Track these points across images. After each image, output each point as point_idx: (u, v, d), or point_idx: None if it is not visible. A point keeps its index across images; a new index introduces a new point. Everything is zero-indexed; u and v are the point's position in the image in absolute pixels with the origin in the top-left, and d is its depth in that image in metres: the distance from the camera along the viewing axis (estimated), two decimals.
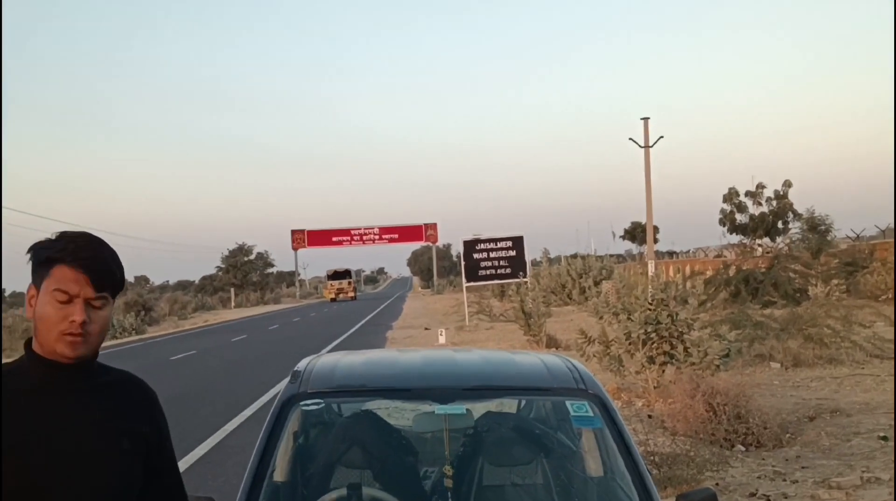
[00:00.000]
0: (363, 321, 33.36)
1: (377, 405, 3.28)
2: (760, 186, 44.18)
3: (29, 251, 1.72)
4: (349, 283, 75.68)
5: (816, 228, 34.73)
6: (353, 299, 72.13)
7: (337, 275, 76.63)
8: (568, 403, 3.00)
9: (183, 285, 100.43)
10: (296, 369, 3.27)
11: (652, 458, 6.03)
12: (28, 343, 1.67)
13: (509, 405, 3.51)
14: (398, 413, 3.43)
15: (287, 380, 3.18)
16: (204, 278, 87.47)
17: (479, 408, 3.28)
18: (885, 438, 7.12)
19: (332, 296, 72.54)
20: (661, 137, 27.85)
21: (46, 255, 1.66)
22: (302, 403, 3.03)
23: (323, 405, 3.24)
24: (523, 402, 3.54)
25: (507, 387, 3.15)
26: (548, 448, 3.17)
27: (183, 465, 7.60)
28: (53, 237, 1.73)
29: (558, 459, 3.14)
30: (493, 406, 3.36)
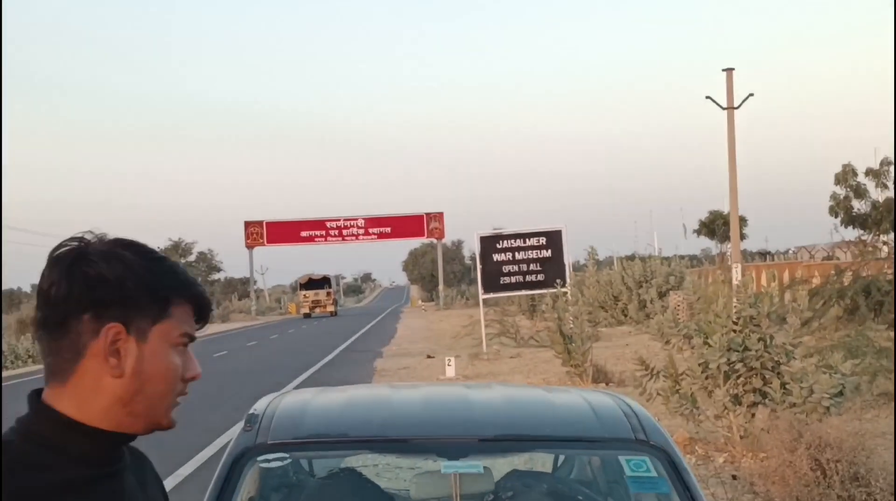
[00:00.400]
0: (342, 347, 33.58)
1: (363, 460, 3.43)
2: (886, 163, 44.04)
3: (112, 268, 1.44)
4: (328, 294, 78.09)
5: None
6: (333, 314, 74.77)
7: (312, 284, 79.23)
8: (623, 459, 3.09)
9: None
10: (252, 411, 3.33)
11: None
12: (41, 409, 1.45)
13: (543, 461, 3.64)
14: (391, 472, 3.60)
15: (240, 427, 3.24)
16: None
17: (501, 466, 3.38)
18: None
19: (307, 311, 75.11)
20: (751, 94, 28.22)
21: (171, 286, 1.51)
22: (260, 458, 3.11)
23: (289, 460, 3.31)
24: (561, 458, 3.65)
25: (541, 437, 3.25)
26: None
27: None
28: (117, 248, 1.47)
29: None
30: (521, 463, 3.48)
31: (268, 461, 3.18)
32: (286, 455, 3.24)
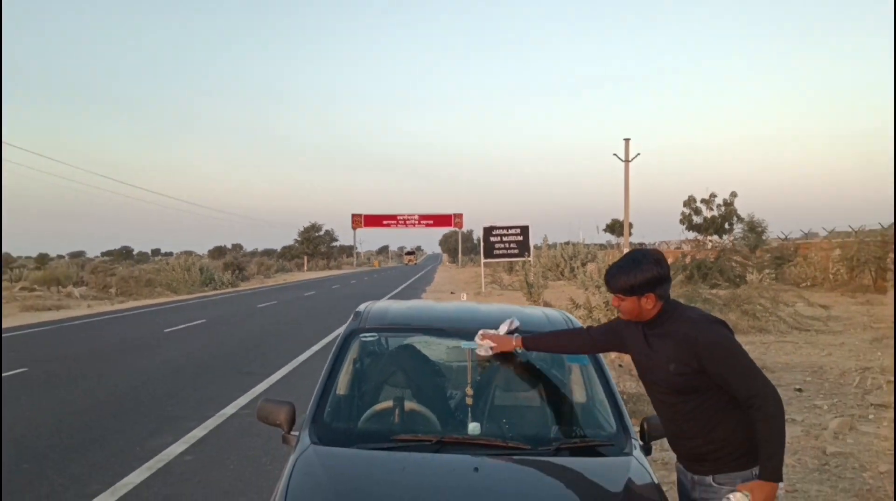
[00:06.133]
0: (403, 286, 43.47)
1: (417, 340, 3.99)
2: (713, 195, 56.55)
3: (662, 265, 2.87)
4: (415, 255, 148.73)
5: (754, 229, 43.63)
6: (416, 264, 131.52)
7: (410, 253, 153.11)
8: None
9: (268, 252, 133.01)
10: (357, 310, 4.07)
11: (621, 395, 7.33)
12: None
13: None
14: (433, 347, 4.16)
15: (350, 319, 4.00)
16: (284, 248, 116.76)
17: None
18: (799, 390, 9.20)
19: (405, 262, 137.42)
20: (638, 154, 34.35)
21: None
22: (361, 335, 3.82)
23: (376, 338, 3.97)
24: None
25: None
26: (545, 379, 3.76)
27: (274, 378, 11.30)
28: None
29: (552, 388, 3.74)
30: None
31: (365, 337, 3.83)
32: (375, 334, 3.89)
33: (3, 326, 20.36)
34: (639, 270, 2.81)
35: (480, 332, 3.56)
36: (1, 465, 6.70)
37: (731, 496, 2.66)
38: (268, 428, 7.14)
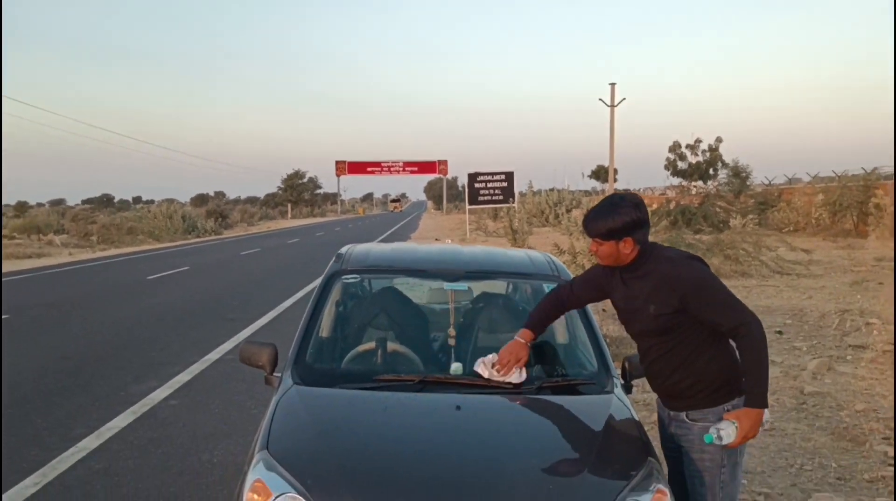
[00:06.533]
0: (388, 233, 44.28)
1: (400, 281, 4.10)
2: (698, 141, 56.43)
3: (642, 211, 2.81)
4: (400, 202, 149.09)
5: (739, 174, 43.87)
6: (401, 211, 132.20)
7: (395, 200, 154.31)
8: (545, 285, 3.82)
9: (251, 200, 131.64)
10: (339, 252, 4.13)
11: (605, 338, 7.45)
12: None
13: (500, 287, 4.35)
14: (415, 289, 4.27)
15: (332, 261, 4.04)
16: (268, 195, 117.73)
17: (477, 288, 4.09)
18: (780, 333, 9.42)
19: (391, 209, 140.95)
20: (624, 99, 34.96)
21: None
22: (343, 277, 3.87)
23: (359, 279, 4.06)
24: (511, 286, 4.38)
25: (499, 272, 4.01)
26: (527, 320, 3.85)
27: (258, 324, 11.28)
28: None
29: None
30: (488, 287, 4.16)
31: (347, 279, 3.90)
32: (358, 276, 3.96)
33: None
34: (616, 214, 2.80)
35: (480, 361, 3.21)
36: (1, 405, 6.74)
37: (719, 424, 2.73)
38: (252, 373, 7.20)
